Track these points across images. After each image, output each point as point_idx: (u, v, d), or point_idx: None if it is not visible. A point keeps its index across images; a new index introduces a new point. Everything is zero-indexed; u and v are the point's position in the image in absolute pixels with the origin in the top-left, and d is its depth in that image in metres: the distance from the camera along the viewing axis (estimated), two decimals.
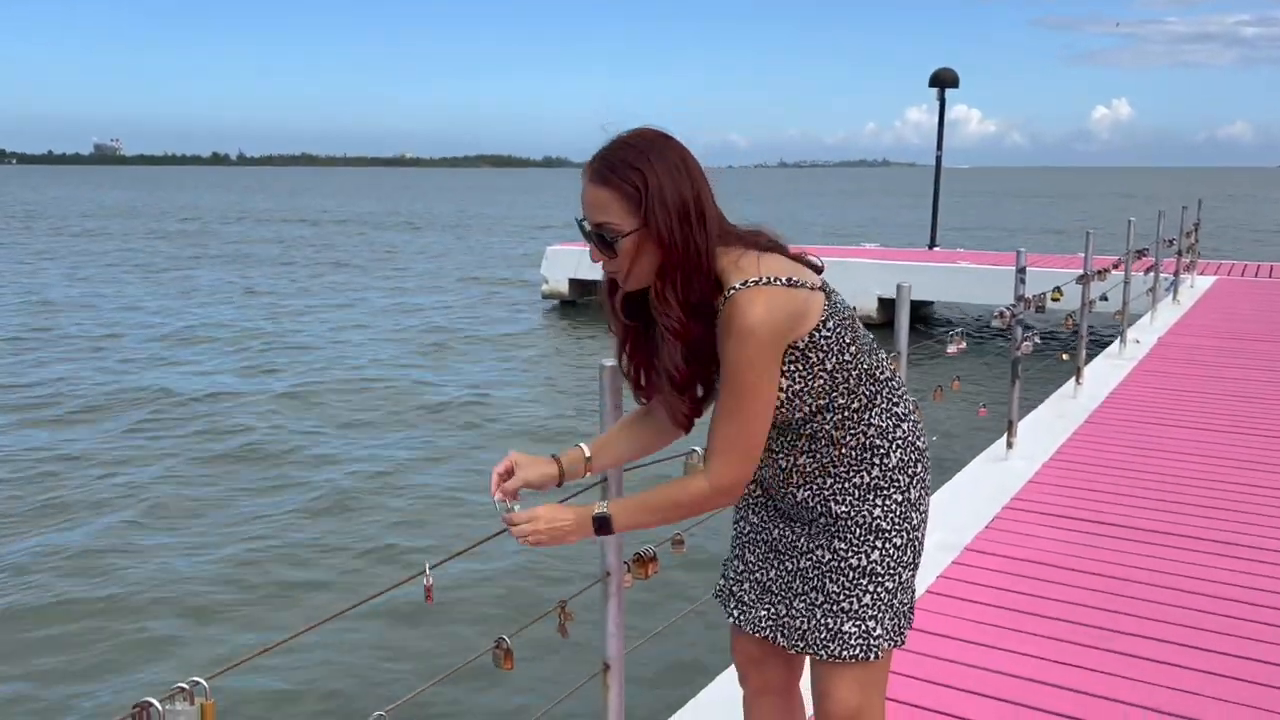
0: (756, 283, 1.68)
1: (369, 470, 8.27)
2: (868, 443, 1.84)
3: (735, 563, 2.04)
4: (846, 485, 1.85)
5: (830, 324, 1.76)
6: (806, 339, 1.73)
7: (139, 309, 17.91)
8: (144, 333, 15.29)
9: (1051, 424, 6.02)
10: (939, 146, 18.09)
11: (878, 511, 1.85)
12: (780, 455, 1.86)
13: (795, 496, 1.89)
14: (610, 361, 2.23)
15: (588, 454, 1.98)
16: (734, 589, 2.03)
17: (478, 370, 12.75)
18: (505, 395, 11.26)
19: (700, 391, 1.84)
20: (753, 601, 2.00)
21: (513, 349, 14.29)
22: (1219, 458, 5.36)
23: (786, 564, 1.95)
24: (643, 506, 1.78)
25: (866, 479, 1.84)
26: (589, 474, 2.00)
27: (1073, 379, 6.87)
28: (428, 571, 1.88)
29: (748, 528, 2.01)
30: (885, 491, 1.85)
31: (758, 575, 1.99)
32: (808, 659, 2.01)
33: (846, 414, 1.82)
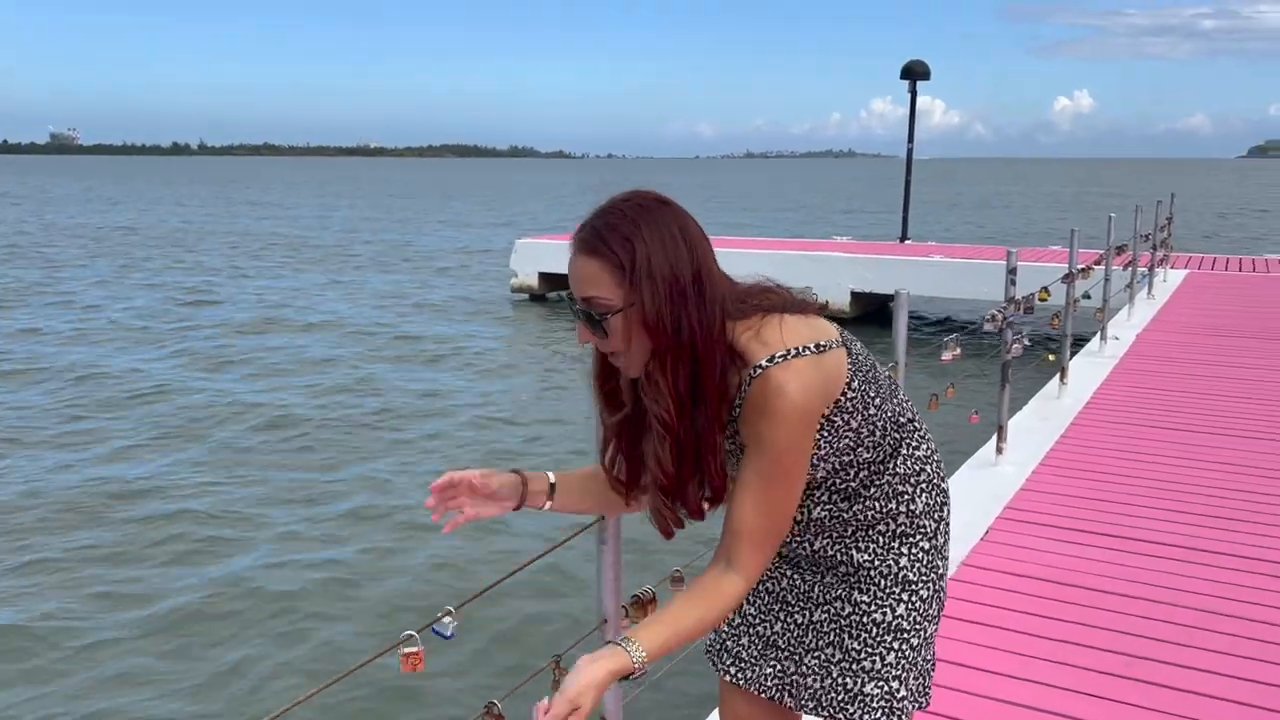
0: (785, 356, 1.50)
1: (329, 514, 7.98)
2: (892, 490, 1.69)
3: (732, 616, 1.85)
4: (870, 532, 1.70)
5: (855, 383, 1.59)
6: (833, 405, 1.56)
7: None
8: None
9: (1038, 426, 5.90)
10: (910, 139, 18.01)
11: (904, 561, 1.71)
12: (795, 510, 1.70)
13: (811, 545, 1.73)
14: None
15: (552, 481, 1.76)
16: (729, 644, 1.85)
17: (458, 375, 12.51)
18: (473, 393, 11.03)
19: (706, 492, 1.62)
20: (754, 658, 1.82)
21: (482, 346, 14.06)
22: (1208, 462, 5.26)
23: (796, 617, 1.78)
24: (678, 634, 1.51)
25: (892, 526, 1.70)
26: (546, 506, 1.77)
27: (1055, 378, 6.76)
28: (416, 639, 1.68)
29: None
30: (912, 539, 1.71)
31: (760, 629, 1.82)
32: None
33: (871, 468, 1.66)
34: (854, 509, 1.68)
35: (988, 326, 4.77)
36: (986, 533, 4.27)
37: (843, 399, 1.57)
